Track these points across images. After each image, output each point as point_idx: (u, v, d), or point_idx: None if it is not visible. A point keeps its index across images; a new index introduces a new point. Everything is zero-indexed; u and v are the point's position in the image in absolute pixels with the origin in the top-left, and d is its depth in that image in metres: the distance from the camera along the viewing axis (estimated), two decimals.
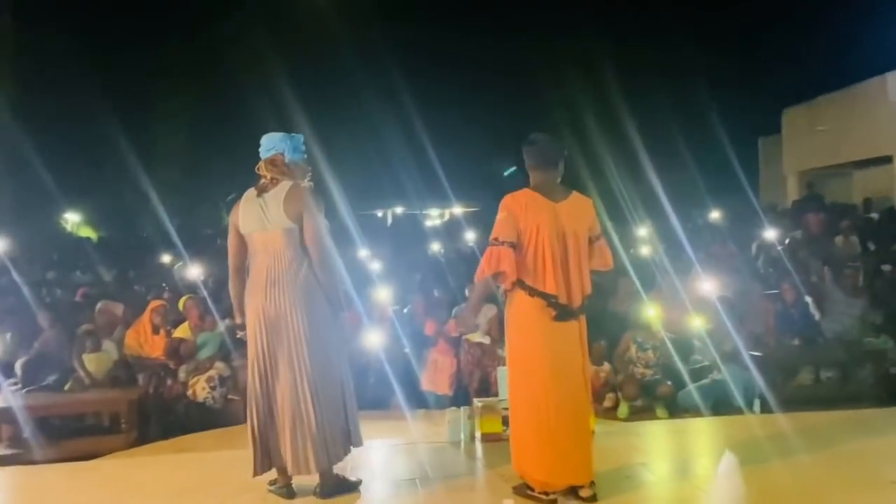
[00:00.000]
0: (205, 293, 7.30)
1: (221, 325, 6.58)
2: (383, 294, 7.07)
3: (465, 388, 6.24)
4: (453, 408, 4.66)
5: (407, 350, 6.47)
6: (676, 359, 6.14)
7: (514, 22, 24.01)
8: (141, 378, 6.24)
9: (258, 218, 3.45)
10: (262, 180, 3.52)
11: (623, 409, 5.97)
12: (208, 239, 15.06)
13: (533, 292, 3.35)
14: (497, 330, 6.18)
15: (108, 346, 6.47)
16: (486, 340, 6.35)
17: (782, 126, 16.43)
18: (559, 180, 3.53)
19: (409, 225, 20.09)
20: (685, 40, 19.00)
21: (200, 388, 5.98)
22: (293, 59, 19.72)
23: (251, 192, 3.53)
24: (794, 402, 5.49)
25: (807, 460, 3.97)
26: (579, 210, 3.48)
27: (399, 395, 5.58)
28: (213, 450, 4.85)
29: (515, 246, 3.35)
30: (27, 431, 5.24)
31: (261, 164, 3.54)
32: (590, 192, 3.70)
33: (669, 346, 6.22)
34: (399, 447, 4.50)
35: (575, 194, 3.51)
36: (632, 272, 7.00)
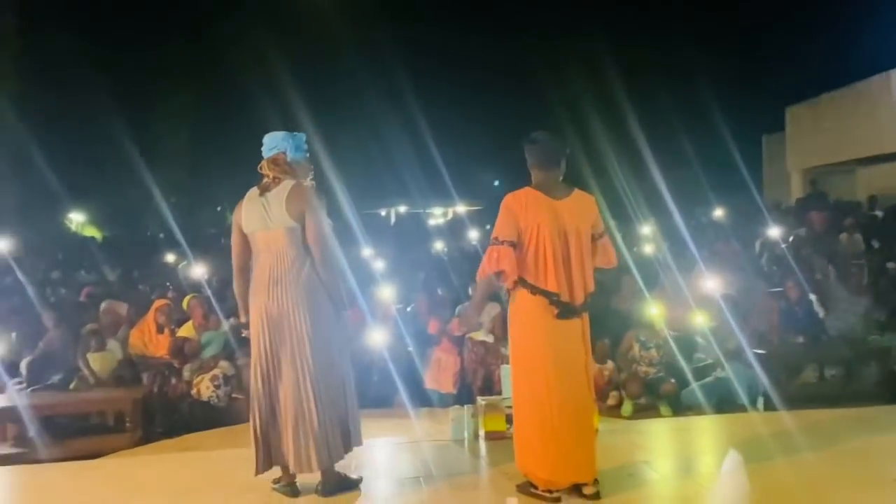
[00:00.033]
0: (209, 292, 7.34)
1: (225, 324, 6.60)
2: (387, 293, 7.10)
3: (468, 386, 6.24)
4: (457, 406, 4.66)
5: (410, 348, 6.47)
6: (680, 357, 6.12)
7: (517, 21, 24.06)
8: (145, 377, 6.26)
9: (261, 217, 3.45)
10: (265, 179, 3.52)
11: (626, 407, 5.96)
12: (212, 238, 15.11)
13: (535, 290, 3.34)
14: (500, 328, 6.18)
15: (113, 345, 6.49)
16: (490, 339, 6.36)
17: (786, 124, 16.40)
18: (561, 178, 3.52)
19: (412, 224, 20.10)
20: (688, 39, 19.03)
21: (205, 387, 5.99)
22: (295, 58, 19.77)
23: (254, 192, 3.52)
24: (798, 399, 5.46)
25: (811, 458, 3.95)
26: (581, 207, 3.47)
27: (403, 394, 5.58)
28: (218, 448, 4.86)
29: (516, 245, 3.35)
30: (32, 430, 5.24)
31: (263, 163, 3.54)
32: (593, 191, 3.69)
33: (673, 344, 6.21)
34: (403, 445, 4.49)
35: (577, 192, 3.50)
36: (635, 270, 7.00)
